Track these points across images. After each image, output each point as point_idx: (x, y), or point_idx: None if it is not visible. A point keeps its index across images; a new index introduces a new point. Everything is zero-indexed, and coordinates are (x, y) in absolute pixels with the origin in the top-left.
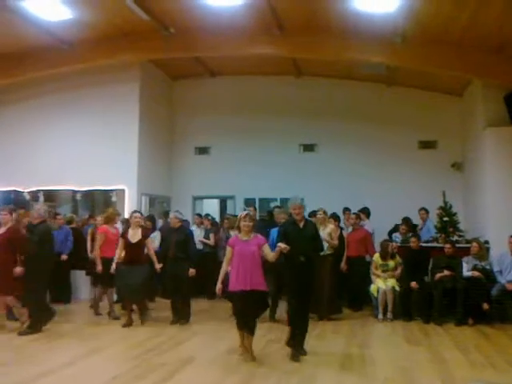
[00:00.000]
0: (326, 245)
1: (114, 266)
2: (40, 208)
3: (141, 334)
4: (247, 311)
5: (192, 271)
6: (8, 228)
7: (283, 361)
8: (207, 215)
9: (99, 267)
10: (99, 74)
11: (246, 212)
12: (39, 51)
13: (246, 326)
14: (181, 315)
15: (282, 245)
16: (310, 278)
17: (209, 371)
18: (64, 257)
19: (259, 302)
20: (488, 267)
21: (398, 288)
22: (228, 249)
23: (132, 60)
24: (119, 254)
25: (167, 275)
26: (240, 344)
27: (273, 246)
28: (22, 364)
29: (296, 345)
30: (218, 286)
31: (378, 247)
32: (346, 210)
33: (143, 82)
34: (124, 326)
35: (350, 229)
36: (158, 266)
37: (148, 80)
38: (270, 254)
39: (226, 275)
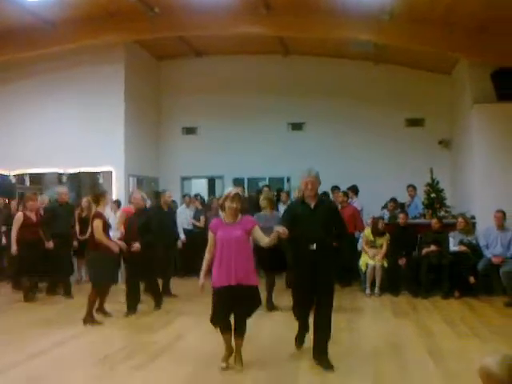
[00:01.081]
0: None
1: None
2: None
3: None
4: (233, 311)
5: (137, 246)
6: None
7: (272, 332)
8: (196, 195)
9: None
10: (83, 55)
11: (235, 191)
12: (21, 32)
13: (229, 327)
14: (155, 301)
15: (279, 228)
16: (324, 272)
17: (199, 349)
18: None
19: (248, 299)
20: (474, 242)
21: (386, 264)
22: (210, 235)
23: (117, 41)
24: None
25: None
26: (224, 353)
27: None
28: (12, 345)
29: (319, 358)
30: (201, 280)
31: (366, 224)
32: (335, 188)
33: (128, 63)
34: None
35: (339, 207)
36: (135, 245)
37: (133, 60)
38: (264, 239)
39: None
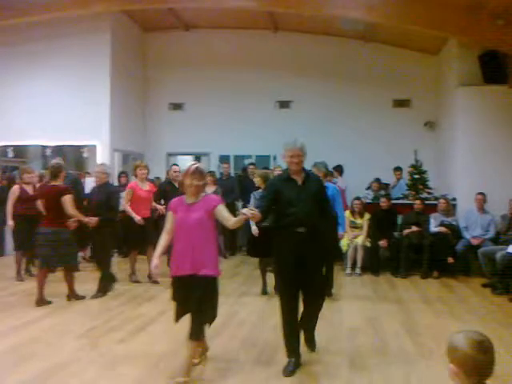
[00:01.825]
0: None
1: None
2: None
3: (115, 288)
4: (189, 305)
5: (95, 220)
6: None
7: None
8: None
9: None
10: (69, 25)
11: (195, 165)
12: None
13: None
14: (99, 286)
15: (248, 211)
16: (313, 259)
17: (184, 323)
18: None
19: (203, 292)
20: (454, 223)
21: (368, 244)
22: (168, 215)
23: (104, 10)
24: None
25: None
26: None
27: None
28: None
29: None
30: (154, 263)
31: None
32: None
33: (114, 34)
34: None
35: None
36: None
37: (119, 31)
38: (230, 220)
39: None
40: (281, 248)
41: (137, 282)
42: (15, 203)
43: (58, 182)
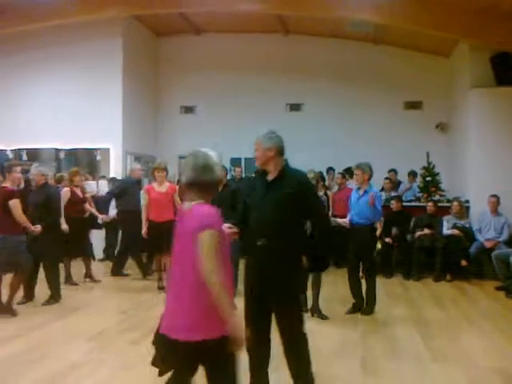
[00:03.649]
0: None
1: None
2: None
3: (130, 289)
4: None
5: (39, 228)
6: None
7: None
8: None
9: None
10: (81, 30)
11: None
12: (20, 5)
13: None
14: (51, 294)
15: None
16: (278, 282)
17: None
18: None
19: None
20: (467, 226)
21: (379, 246)
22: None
23: (115, 15)
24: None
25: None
26: None
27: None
28: (10, 320)
29: None
30: None
31: None
32: (330, 169)
33: (126, 38)
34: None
35: (336, 188)
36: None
37: (131, 36)
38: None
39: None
40: (246, 264)
41: (163, 288)
42: (66, 206)
43: (8, 184)
